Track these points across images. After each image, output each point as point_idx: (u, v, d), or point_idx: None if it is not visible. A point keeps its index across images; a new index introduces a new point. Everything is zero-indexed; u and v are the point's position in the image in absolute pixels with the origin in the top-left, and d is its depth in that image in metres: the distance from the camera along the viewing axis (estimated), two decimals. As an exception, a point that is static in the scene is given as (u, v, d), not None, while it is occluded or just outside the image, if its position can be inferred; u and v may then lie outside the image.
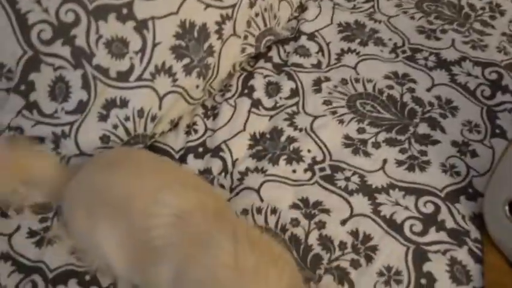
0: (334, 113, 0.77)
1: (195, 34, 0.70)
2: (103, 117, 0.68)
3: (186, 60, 0.70)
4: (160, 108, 0.70)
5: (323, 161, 0.72)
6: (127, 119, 0.69)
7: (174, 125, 0.76)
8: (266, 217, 0.66)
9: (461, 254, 0.62)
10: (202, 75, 0.73)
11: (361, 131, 0.74)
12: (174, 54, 0.69)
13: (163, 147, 0.75)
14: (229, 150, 0.73)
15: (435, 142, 0.73)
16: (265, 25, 0.82)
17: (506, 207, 0.59)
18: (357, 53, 0.85)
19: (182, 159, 0.73)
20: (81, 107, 0.67)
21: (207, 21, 0.71)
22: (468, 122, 0.75)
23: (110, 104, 0.68)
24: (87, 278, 0.62)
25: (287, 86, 0.80)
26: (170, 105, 0.72)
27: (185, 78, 0.71)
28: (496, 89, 0.79)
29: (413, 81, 0.81)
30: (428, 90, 0.80)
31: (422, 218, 0.65)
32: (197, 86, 0.74)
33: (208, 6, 0.71)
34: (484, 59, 0.84)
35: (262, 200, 0.68)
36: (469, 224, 0.64)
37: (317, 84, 0.81)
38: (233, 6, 0.74)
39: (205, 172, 0.71)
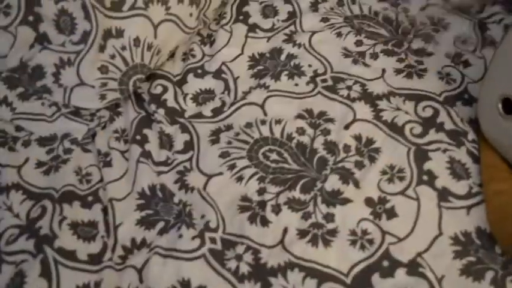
0: (331, 27, 0.80)
1: (186, -39, 0.73)
2: (101, 48, 0.71)
3: (178, -13, 0.73)
4: (155, 36, 0.73)
5: (324, 73, 0.75)
6: (123, 48, 0.71)
7: (171, 54, 0.79)
8: (271, 127, 0.69)
9: (460, 154, 0.65)
10: (195, 3, 0.76)
11: (358, 43, 0.77)
12: (165, -19, 0.72)
13: (161, 73, 0.77)
14: (230, 70, 0.76)
15: (430, 54, 0.76)
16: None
17: (500, 105, 0.63)
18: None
19: (181, 82, 0.76)
20: (85, 38, 0.70)
21: None
22: (460, 36, 0.79)
23: (106, 34, 0.70)
24: (90, 199, 0.67)
25: (284, 9, 0.83)
26: (165, 34, 0.74)
27: (178, 5, 0.73)
28: (487, 2, 0.83)
29: (407, 1, 0.84)
30: (420, 9, 0.83)
31: (422, 122, 0.69)
32: (191, 14, 0.76)
33: None
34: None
35: (266, 114, 0.71)
36: (466, 126, 0.68)
37: (314, 5, 0.83)
38: None
39: (207, 92, 0.75)
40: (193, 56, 0.79)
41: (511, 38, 0.62)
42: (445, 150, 0.66)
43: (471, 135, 0.67)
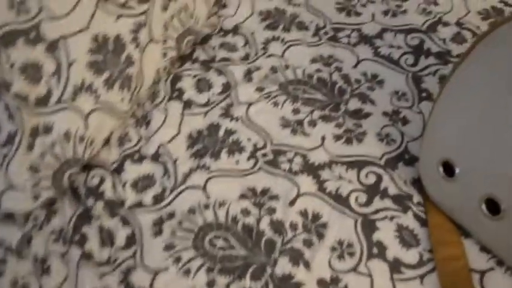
0: (267, 97, 0.80)
1: (111, 47, 0.71)
2: (29, 147, 0.68)
3: (106, 75, 0.71)
4: (86, 128, 0.71)
5: (264, 146, 0.74)
6: (53, 144, 0.69)
7: (106, 141, 0.77)
8: (215, 211, 0.68)
9: (407, 219, 0.65)
10: (126, 87, 0.74)
11: (296, 111, 0.77)
12: (91, 70, 0.70)
13: (97, 163, 0.75)
14: (168, 153, 0.74)
15: (367, 115, 0.77)
16: (183, 26, 0.84)
17: (441, 169, 0.63)
18: (282, 40, 0.89)
19: (118, 170, 0.74)
20: (11, 139, 0.67)
21: (121, 31, 0.73)
22: (396, 92, 0.80)
23: (34, 132, 0.68)
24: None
25: (218, 81, 0.83)
26: (97, 123, 0.72)
27: (107, 93, 0.72)
28: (418, 55, 0.85)
29: (339, 60, 0.85)
30: (355, 66, 0.84)
31: (366, 189, 0.68)
32: (122, 99, 0.75)
33: (119, 16, 0.72)
34: (404, 26, 0.90)
35: (209, 197, 0.69)
36: (410, 189, 0.68)
37: (248, 74, 0.83)
38: (145, 12, 0.76)
39: (146, 178, 0.73)
40: (129, 140, 0.77)
41: (446, 99, 0.63)
42: (392, 218, 0.66)
43: (416, 198, 0.67)
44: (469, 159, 0.59)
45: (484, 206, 0.58)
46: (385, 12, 0.92)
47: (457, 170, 0.61)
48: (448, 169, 0.62)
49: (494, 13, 0.91)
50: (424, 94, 0.79)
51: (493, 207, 0.58)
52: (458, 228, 0.64)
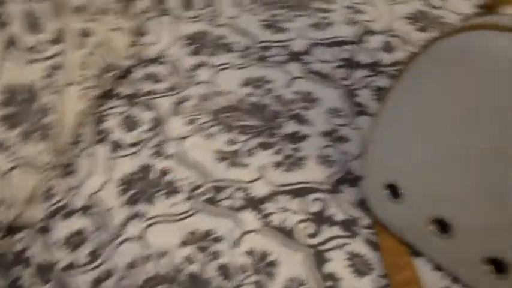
0: (200, 130, 0.76)
1: (22, 96, 0.65)
2: None
3: (20, 128, 0.65)
4: (5, 188, 0.64)
5: (202, 184, 0.70)
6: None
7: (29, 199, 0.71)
8: (156, 263, 0.63)
9: (358, 245, 0.63)
10: (44, 137, 0.68)
11: (231, 142, 0.74)
12: (5, 125, 0.64)
13: (21, 224, 0.69)
14: (100, 202, 0.69)
15: (305, 137, 0.74)
16: (103, 61, 0.79)
17: (385, 191, 0.61)
18: (210, 65, 0.86)
19: (46, 229, 0.68)
20: None
21: (33, 78, 0.67)
22: (331, 109, 0.78)
23: None
24: None
25: (146, 117, 0.78)
26: (16, 182, 0.65)
27: (24, 147, 0.66)
28: (350, 67, 0.84)
29: (270, 81, 0.82)
30: (287, 86, 0.82)
31: (313, 218, 0.66)
32: (42, 151, 0.68)
33: (29, 62, 0.66)
34: (332, 39, 0.88)
35: (148, 247, 0.65)
36: (358, 211, 0.66)
37: (177, 106, 0.79)
38: (58, 54, 0.70)
39: (78, 234, 0.67)
40: (55, 194, 0.71)
41: (384, 118, 0.61)
42: (342, 246, 0.63)
43: (365, 220, 0.65)
44: (413, 180, 0.58)
45: (432, 226, 0.57)
46: (312, 26, 0.91)
47: (401, 191, 0.59)
48: (393, 190, 0.60)
49: (422, 16, 0.92)
50: (359, 108, 0.78)
51: (441, 226, 0.57)
52: (409, 247, 0.63)
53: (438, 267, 0.61)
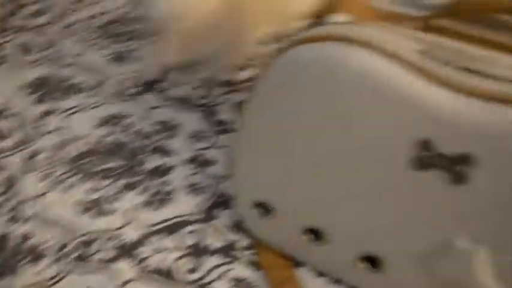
0: (57, 183, 0.71)
1: None
2: None
3: None
4: None
5: (68, 242, 0.65)
6: None
7: None
8: None
9: (241, 270, 0.62)
10: None
11: (93, 190, 0.70)
12: None
13: None
14: None
15: (170, 169, 0.72)
16: None
17: (255, 209, 0.61)
18: (59, 111, 0.81)
19: None
20: None
21: None
22: (194, 133, 0.76)
23: None
24: None
25: None
26: None
27: None
28: (209, 86, 0.82)
29: (127, 116, 0.79)
30: (144, 118, 0.79)
31: (191, 252, 0.64)
32: None
33: None
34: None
35: None
36: (236, 234, 0.65)
37: (27, 162, 0.74)
38: None
39: None
40: None
41: (244, 137, 0.60)
42: (224, 274, 0.62)
43: (244, 242, 0.64)
44: (280, 194, 0.57)
45: (306, 236, 0.57)
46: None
47: (272, 207, 0.58)
48: (264, 207, 0.60)
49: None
50: (221, 127, 0.77)
51: (315, 233, 0.57)
52: (290, 259, 0.63)
53: (321, 273, 0.61)
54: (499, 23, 0.50)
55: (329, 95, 0.48)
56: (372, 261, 0.55)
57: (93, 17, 1.00)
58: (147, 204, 0.68)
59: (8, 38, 0.95)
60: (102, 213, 0.67)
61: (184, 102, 0.80)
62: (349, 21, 0.49)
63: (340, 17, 0.53)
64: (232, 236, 0.65)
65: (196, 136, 0.76)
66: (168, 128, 0.77)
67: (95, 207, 0.68)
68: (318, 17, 0.56)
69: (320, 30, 0.50)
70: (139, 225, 0.66)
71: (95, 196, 0.69)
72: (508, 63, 0.44)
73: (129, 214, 0.67)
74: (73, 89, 0.83)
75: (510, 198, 0.41)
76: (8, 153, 0.75)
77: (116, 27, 0.95)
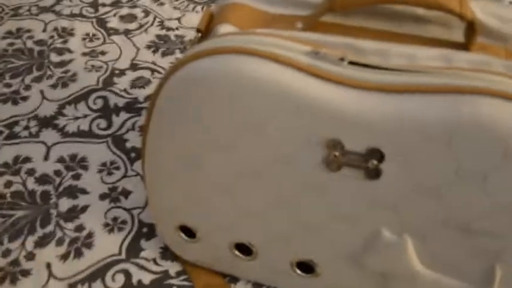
0: None
1: None
2: None
3: None
4: None
5: None
6: None
7: None
8: None
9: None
10: None
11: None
12: None
13: None
14: None
15: (85, 209, 0.68)
16: None
17: (179, 234, 0.58)
18: None
19: None
20: None
21: None
22: (103, 165, 0.73)
23: None
24: None
25: None
26: None
27: None
28: (109, 116, 0.78)
29: (28, 160, 0.74)
30: (47, 158, 0.74)
31: (122, 294, 0.61)
32: None
33: None
34: (80, 91, 0.82)
35: None
36: (165, 263, 0.62)
37: None
38: None
39: None
40: None
41: (149, 163, 0.57)
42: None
43: (174, 269, 0.62)
44: (199, 216, 0.55)
45: (235, 251, 0.56)
46: (54, 86, 0.83)
47: (194, 229, 0.56)
48: (187, 229, 0.58)
49: (162, 41, 0.90)
50: (133, 154, 0.74)
51: (243, 249, 0.56)
52: (224, 276, 0.61)
53: (258, 284, 0.60)
54: (385, 10, 0.50)
55: (232, 107, 0.46)
56: (307, 266, 0.54)
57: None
58: (66, 256, 0.63)
59: None
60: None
61: (88, 136, 0.76)
62: (238, 32, 0.47)
63: (228, 27, 0.51)
64: (162, 266, 0.62)
65: (108, 168, 0.72)
66: (75, 163, 0.72)
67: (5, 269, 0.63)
68: (207, 29, 0.54)
69: (211, 44, 0.48)
70: (60, 281, 0.61)
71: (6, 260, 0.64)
72: (402, 52, 0.44)
73: (48, 270, 0.62)
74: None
75: (420, 188, 0.42)
76: None
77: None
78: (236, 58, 0.44)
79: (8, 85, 0.83)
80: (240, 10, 0.53)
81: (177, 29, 0.93)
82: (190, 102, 0.48)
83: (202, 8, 0.98)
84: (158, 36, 0.91)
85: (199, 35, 0.53)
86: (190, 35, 0.91)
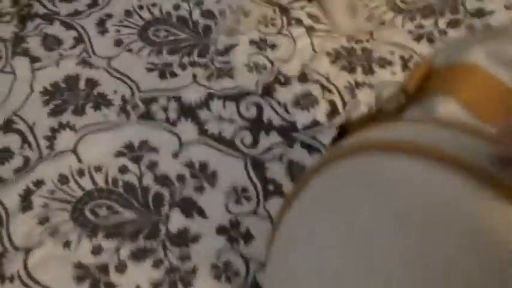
0: (127, 49, 0.72)
1: None
2: None
3: None
4: None
5: (132, 96, 0.68)
6: None
7: None
8: (92, 177, 0.60)
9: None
10: None
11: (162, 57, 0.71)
12: None
13: None
14: (22, 119, 0.66)
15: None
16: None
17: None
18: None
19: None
20: None
21: None
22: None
23: None
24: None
25: (67, 36, 0.74)
26: None
27: None
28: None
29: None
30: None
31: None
32: None
33: None
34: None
35: (81, 161, 0.62)
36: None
37: (101, 25, 0.75)
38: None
39: (3, 151, 0.63)
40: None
41: (280, 241, 0.43)
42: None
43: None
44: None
45: None
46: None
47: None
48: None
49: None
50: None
51: None
52: None
53: None
54: None
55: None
56: None
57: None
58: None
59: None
60: (167, 73, 0.69)
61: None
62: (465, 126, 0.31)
63: (451, 106, 0.36)
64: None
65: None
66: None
67: (162, 67, 0.69)
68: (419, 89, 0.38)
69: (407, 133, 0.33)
70: (202, 86, 0.67)
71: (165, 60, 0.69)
72: None
73: (192, 78, 0.68)
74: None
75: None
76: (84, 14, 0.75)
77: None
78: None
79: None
80: (474, 78, 0.37)
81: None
82: (346, 193, 0.34)
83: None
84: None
85: (403, 95, 0.38)
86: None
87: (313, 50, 0.74)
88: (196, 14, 0.76)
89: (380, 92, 0.46)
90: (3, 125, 0.65)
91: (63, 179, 0.60)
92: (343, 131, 0.47)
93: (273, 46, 0.74)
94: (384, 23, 0.76)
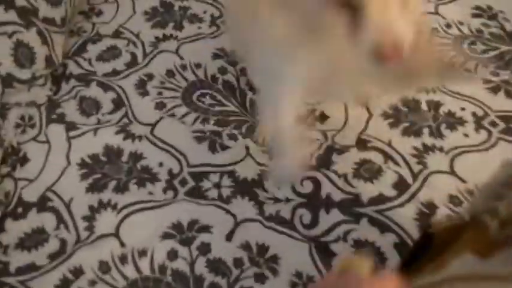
0: (170, 114, 0.67)
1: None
2: None
3: None
4: None
5: (181, 171, 0.61)
6: None
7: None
8: (136, 264, 0.54)
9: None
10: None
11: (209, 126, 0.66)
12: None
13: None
14: (58, 195, 0.60)
15: None
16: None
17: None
18: (175, 38, 0.76)
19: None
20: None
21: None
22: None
23: None
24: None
25: (106, 98, 0.69)
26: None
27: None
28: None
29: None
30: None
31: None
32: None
33: None
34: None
35: (123, 245, 0.55)
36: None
37: (141, 86, 0.70)
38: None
39: (37, 233, 0.57)
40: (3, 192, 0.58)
41: None
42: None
43: None
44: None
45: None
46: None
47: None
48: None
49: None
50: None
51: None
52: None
53: None
54: None
55: None
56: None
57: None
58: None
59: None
60: (217, 147, 0.63)
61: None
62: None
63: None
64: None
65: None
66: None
67: (211, 137, 0.63)
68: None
69: None
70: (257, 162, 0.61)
71: (211, 128, 0.64)
72: None
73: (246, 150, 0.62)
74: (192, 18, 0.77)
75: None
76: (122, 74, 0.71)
77: None
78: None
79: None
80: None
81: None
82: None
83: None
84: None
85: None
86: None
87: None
88: (242, 82, 0.69)
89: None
90: (37, 203, 0.59)
91: (103, 267, 0.54)
92: (429, 239, 0.40)
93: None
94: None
